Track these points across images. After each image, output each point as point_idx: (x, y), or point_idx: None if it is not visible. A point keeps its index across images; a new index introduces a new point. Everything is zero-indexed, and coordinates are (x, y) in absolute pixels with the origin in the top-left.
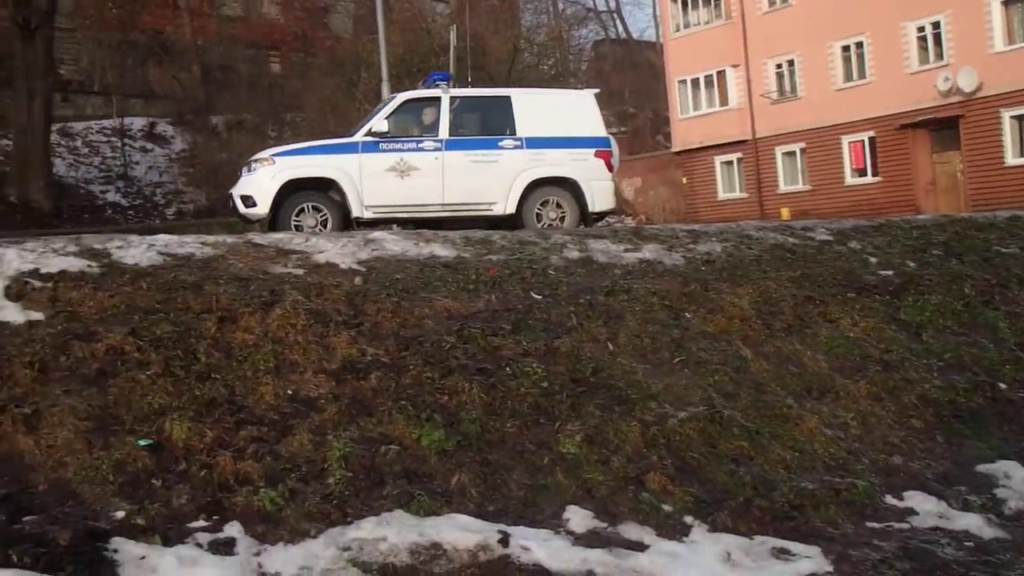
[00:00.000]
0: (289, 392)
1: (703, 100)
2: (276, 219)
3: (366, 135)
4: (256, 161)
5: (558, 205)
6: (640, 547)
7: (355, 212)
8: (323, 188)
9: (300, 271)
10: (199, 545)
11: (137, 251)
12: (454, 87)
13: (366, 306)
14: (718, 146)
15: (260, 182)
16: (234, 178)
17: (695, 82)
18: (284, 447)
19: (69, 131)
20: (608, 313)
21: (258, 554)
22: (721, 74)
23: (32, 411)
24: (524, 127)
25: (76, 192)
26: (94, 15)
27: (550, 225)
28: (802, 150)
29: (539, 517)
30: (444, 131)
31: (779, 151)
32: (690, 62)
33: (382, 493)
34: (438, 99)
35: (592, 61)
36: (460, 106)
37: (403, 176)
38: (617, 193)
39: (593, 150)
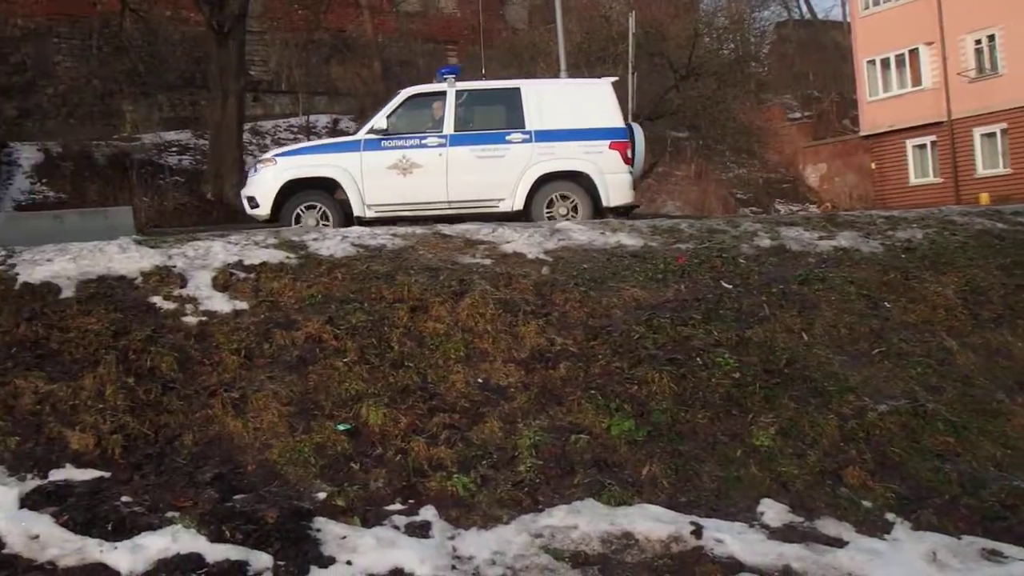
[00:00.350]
0: (479, 380)
1: (893, 81)
2: (278, 219)
3: (367, 133)
4: (261, 162)
5: (569, 200)
6: (839, 543)
7: (356, 211)
8: (325, 188)
9: (488, 261)
10: (396, 527)
11: (332, 243)
12: (630, 74)
13: (554, 296)
14: (910, 129)
15: (262, 183)
16: None
17: (885, 62)
18: (475, 434)
19: (259, 130)
20: (802, 303)
21: (452, 538)
22: (914, 53)
23: (239, 395)
24: (534, 120)
25: None
26: (282, 17)
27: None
28: (1004, 131)
29: (732, 510)
30: (449, 126)
31: (977, 133)
32: (880, 41)
33: (572, 482)
34: (443, 94)
35: (775, 44)
36: (467, 100)
37: (405, 174)
38: (635, 185)
39: (608, 141)
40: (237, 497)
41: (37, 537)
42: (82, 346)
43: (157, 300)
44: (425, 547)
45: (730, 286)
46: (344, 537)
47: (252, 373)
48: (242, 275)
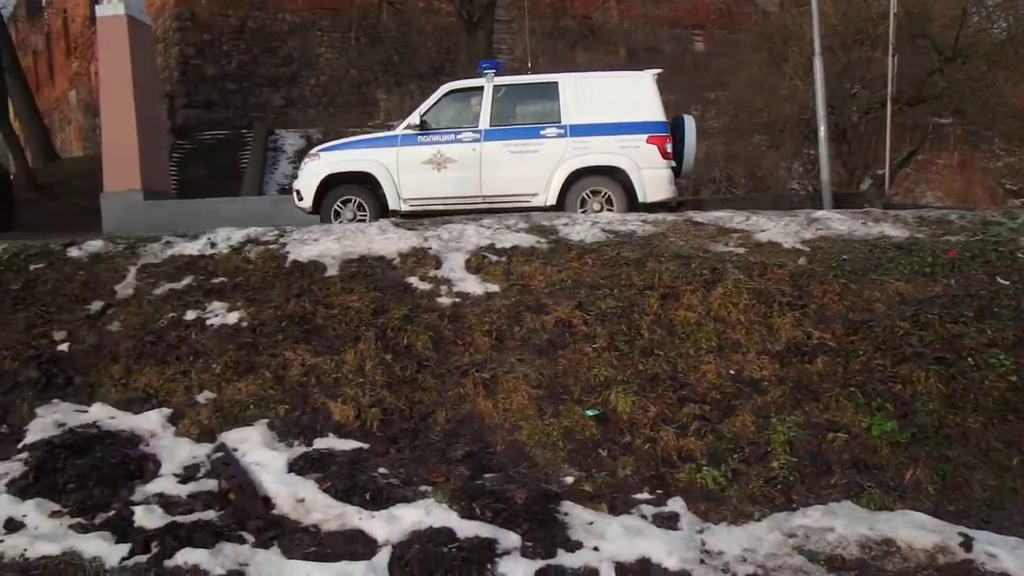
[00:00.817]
0: (731, 372)
1: None
2: (319, 212)
3: (405, 128)
4: (308, 156)
5: (602, 194)
6: None
7: (392, 205)
8: (362, 182)
9: (741, 250)
10: (644, 517)
11: (582, 228)
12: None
13: (811, 287)
14: None
15: (306, 177)
16: None
17: None
18: (726, 427)
19: None
20: None
21: (701, 531)
22: None
23: (490, 376)
24: (570, 114)
25: None
26: (529, 5)
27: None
28: None
29: (1007, 523)
30: (485, 121)
31: None
32: None
33: (829, 482)
34: (481, 89)
35: None
36: (504, 95)
37: (440, 168)
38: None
39: (646, 136)
40: (487, 476)
41: (303, 501)
42: (344, 322)
43: (413, 280)
44: (673, 539)
45: (1007, 282)
46: (591, 523)
47: (503, 355)
48: (494, 258)
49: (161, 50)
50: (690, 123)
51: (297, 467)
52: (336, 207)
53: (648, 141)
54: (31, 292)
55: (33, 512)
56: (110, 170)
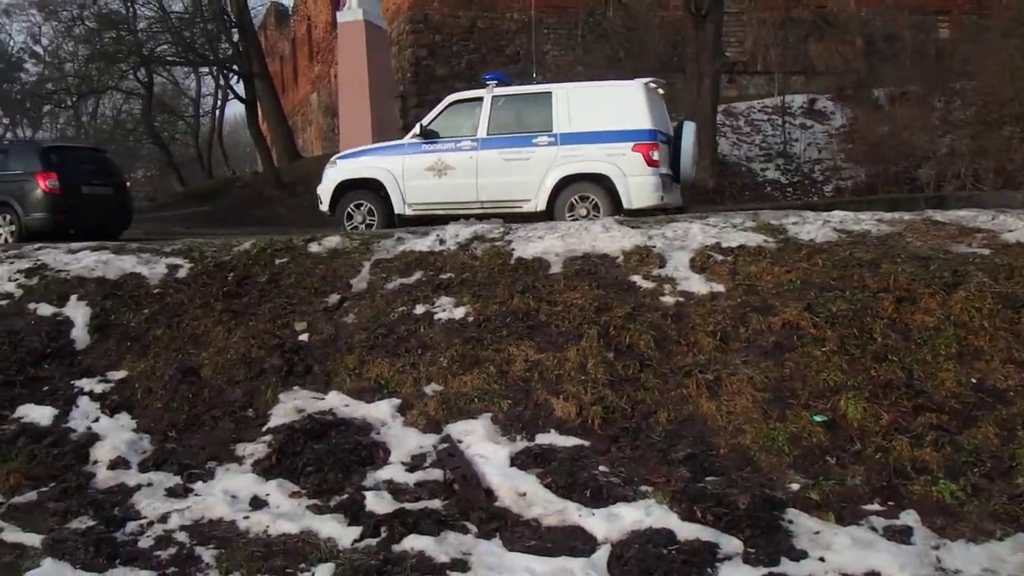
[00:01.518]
0: (973, 380)
1: None
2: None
3: (411, 137)
4: (328, 164)
5: (589, 200)
6: None
7: (397, 209)
8: (372, 187)
9: (986, 251)
10: (873, 529)
11: (812, 227)
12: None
13: None
14: None
15: (325, 182)
16: (893, 154)
17: None
18: (966, 439)
19: (732, 111)
20: None
21: (936, 547)
22: None
23: (714, 378)
24: (561, 123)
25: (737, 170)
26: None
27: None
28: None
29: None
30: (483, 130)
31: None
32: None
33: None
34: (481, 99)
35: None
36: (502, 105)
37: (440, 175)
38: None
39: (631, 144)
40: (709, 479)
41: (524, 495)
42: (567, 319)
43: (637, 279)
44: (905, 553)
45: None
46: (817, 532)
47: (727, 356)
48: (719, 257)
49: (395, 52)
50: (688, 130)
51: (519, 461)
52: (349, 210)
53: (633, 149)
54: (276, 285)
55: (275, 492)
56: None
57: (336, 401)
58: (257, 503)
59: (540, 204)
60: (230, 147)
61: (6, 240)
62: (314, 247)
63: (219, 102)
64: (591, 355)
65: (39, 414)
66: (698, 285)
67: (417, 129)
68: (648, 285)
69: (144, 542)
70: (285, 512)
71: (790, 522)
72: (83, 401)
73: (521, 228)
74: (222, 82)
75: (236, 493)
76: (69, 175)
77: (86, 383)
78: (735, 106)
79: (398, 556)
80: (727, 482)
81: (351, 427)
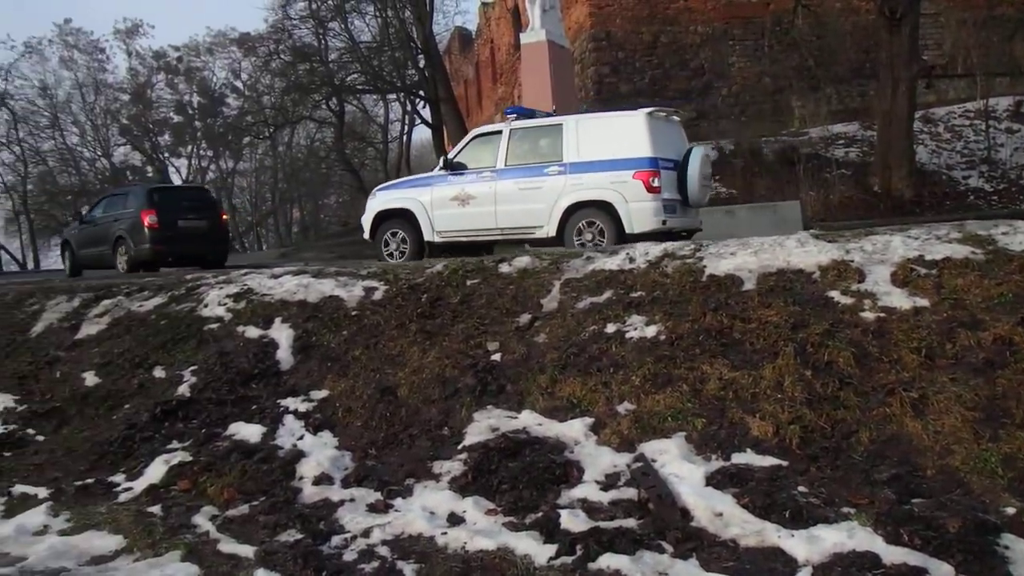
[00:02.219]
0: None
1: None
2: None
3: (439, 169)
4: (370, 195)
5: (595, 226)
6: None
7: (427, 237)
8: (406, 217)
9: None
10: None
11: None
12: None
13: None
14: None
15: (366, 213)
16: None
17: None
18: None
19: (931, 117)
20: None
21: None
22: None
23: (919, 396)
24: (570, 153)
25: (937, 179)
26: None
27: (586, 245)
28: None
29: None
30: (501, 162)
31: None
32: None
33: None
34: (500, 132)
35: None
36: (519, 137)
37: (463, 204)
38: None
39: (632, 171)
40: (915, 501)
41: (720, 515)
42: (762, 337)
43: (834, 294)
44: None
45: None
46: None
47: (933, 374)
48: (923, 271)
49: (578, 71)
50: (696, 155)
51: (715, 481)
52: (385, 238)
53: (634, 176)
54: (468, 305)
55: (471, 509)
56: None
57: (529, 420)
58: (454, 519)
59: (551, 230)
60: (417, 170)
61: (122, 268)
62: (504, 268)
63: (406, 127)
64: (788, 373)
65: (249, 431)
66: (900, 300)
67: (442, 162)
68: (847, 301)
69: (348, 556)
70: (482, 529)
71: (1006, 548)
72: (288, 419)
73: (712, 245)
74: (409, 108)
75: (434, 509)
76: (167, 212)
77: (291, 402)
78: (934, 112)
79: (594, 574)
80: (935, 505)
81: (544, 445)
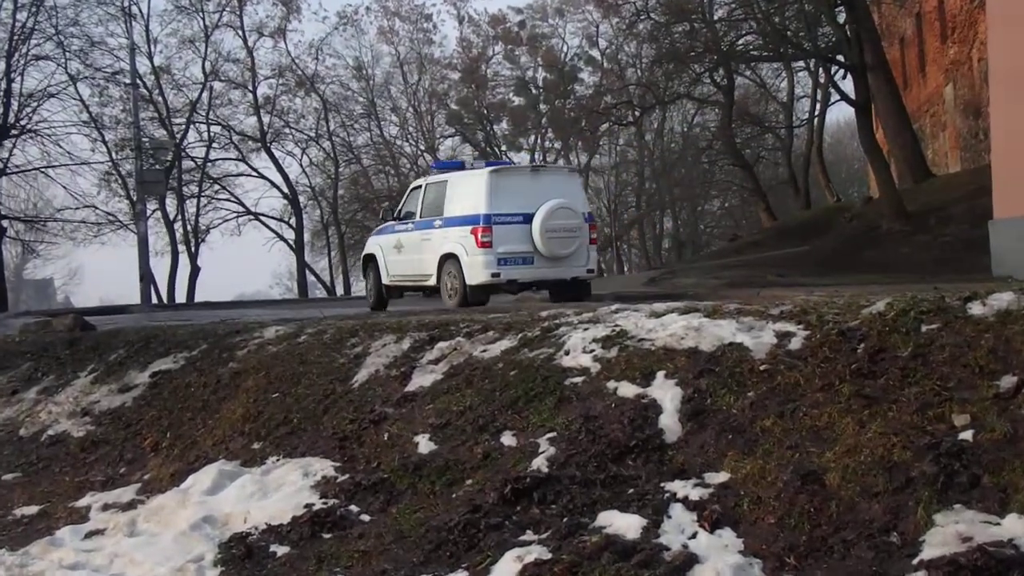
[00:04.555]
0: None
1: None
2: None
3: (393, 219)
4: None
5: (454, 276)
6: None
7: (384, 280)
8: (375, 261)
9: None
10: None
11: None
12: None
13: None
14: None
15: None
16: None
17: None
18: None
19: None
20: None
21: None
22: None
23: None
24: (449, 208)
25: None
26: None
27: (449, 297)
28: None
29: None
30: (419, 214)
31: None
32: None
33: None
34: (420, 186)
35: None
36: (428, 191)
37: (399, 252)
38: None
39: (470, 227)
40: None
41: None
42: None
43: None
44: None
45: None
46: None
47: None
48: None
49: None
50: (541, 210)
51: None
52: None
53: (471, 232)
54: (924, 361)
55: None
56: (1003, 190)
57: (1018, 528)
58: None
59: (433, 280)
60: (831, 165)
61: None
62: (976, 308)
63: (818, 106)
64: None
65: (625, 524)
66: None
67: (395, 211)
68: None
69: None
70: None
71: None
72: (676, 510)
73: None
74: (823, 79)
75: None
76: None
77: (679, 487)
78: None
79: None
80: None
81: None
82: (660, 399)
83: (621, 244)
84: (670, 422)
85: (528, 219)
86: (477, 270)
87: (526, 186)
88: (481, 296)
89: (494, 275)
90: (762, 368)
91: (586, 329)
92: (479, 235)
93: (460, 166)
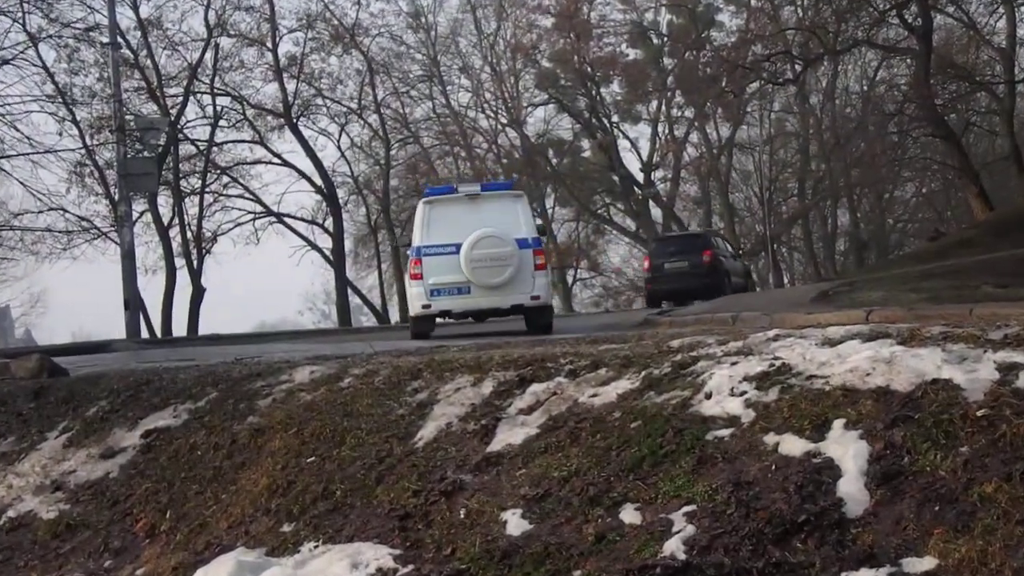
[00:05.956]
0: None
1: None
2: None
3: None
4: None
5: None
6: None
7: None
8: None
9: None
10: None
11: None
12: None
13: None
14: None
15: None
16: None
17: None
18: None
19: None
20: None
21: None
22: None
23: None
24: (416, 236)
25: None
26: None
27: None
28: None
29: None
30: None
31: None
32: None
33: None
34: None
35: None
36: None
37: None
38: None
39: (410, 259)
40: None
41: None
42: None
43: None
44: None
45: None
46: None
47: None
48: None
49: None
50: (465, 242)
51: None
52: None
53: (410, 263)
54: None
55: None
56: None
57: None
58: None
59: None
60: None
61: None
62: None
63: None
64: None
65: None
66: None
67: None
68: None
69: None
70: None
71: None
72: None
73: None
74: None
75: None
76: (656, 255)
77: None
78: None
79: None
80: None
81: None
82: (839, 458)
83: (779, 247)
84: (853, 489)
85: (458, 249)
86: (412, 302)
87: (462, 215)
88: (422, 327)
89: (424, 306)
90: (979, 414)
91: (734, 364)
92: (412, 267)
93: (450, 191)
